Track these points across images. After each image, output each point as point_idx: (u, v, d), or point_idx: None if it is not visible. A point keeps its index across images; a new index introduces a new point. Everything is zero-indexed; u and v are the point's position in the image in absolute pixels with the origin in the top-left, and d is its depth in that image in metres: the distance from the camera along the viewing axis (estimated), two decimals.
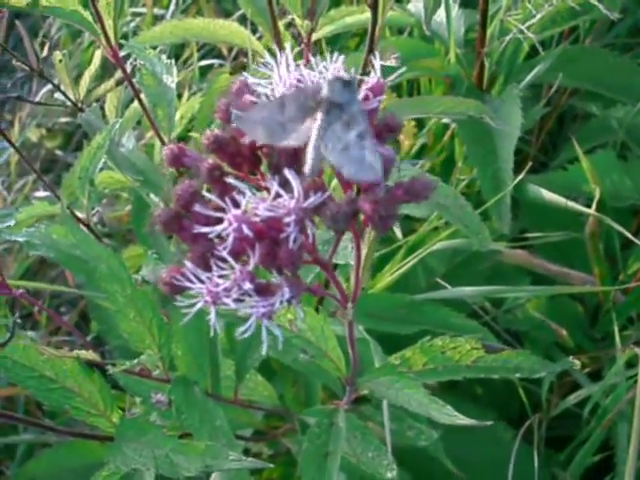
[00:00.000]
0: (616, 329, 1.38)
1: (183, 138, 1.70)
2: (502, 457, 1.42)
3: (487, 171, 1.36)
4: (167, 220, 0.60)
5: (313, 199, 0.53)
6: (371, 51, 1.04)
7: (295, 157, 0.61)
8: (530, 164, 1.33)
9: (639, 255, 1.42)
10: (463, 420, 0.85)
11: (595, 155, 1.44)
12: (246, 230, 0.54)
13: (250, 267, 0.56)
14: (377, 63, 0.62)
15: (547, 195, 1.36)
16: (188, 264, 0.57)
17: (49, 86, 1.74)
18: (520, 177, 1.30)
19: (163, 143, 1.30)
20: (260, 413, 1.43)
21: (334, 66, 0.64)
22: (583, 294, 1.56)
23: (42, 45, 1.29)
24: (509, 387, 1.51)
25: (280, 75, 0.61)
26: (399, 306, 1.35)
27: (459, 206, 1.17)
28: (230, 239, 0.54)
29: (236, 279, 0.56)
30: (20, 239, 1.25)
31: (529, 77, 1.45)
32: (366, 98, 0.61)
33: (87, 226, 1.22)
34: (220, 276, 0.57)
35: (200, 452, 0.87)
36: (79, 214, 1.26)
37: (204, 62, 2.08)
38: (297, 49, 1.47)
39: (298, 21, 1.23)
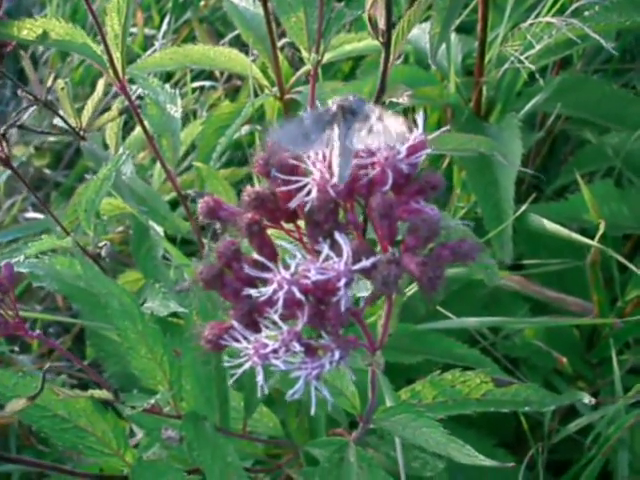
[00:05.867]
0: (614, 355, 1.39)
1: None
2: None
3: (489, 201, 1.37)
4: (209, 278, 0.59)
5: (364, 263, 0.54)
6: (383, 88, 1.05)
7: (333, 213, 0.62)
8: (533, 196, 1.34)
9: (637, 282, 1.43)
10: (484, 461, 0.86)
11: (594, 184, 1.45)
12: (297, 293, 0.54)
13: (299, 328, 0.56)
14: (420, 120, 0.62)
15: (549, 225, 1.37)
16: (234, 323, 0.57)
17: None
18: (523, 208, 1.31)
19: (168, 173, 1.29)
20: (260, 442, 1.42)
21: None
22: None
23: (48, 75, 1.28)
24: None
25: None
26: (402, 335, 1.35)
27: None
28: (280, 301, 0.54)
29: (284, 340, 0.56)
30: (24, 270, 1.24)
31: (528, 106, 1.47)
32: (408, 154, 0.61)
33: (93, 259, 1.21)
34: (266, 335, 0.57)
35: None
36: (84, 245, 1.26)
37: (196, 84, 2.08)
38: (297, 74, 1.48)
39: (304, 54, 1.23)
